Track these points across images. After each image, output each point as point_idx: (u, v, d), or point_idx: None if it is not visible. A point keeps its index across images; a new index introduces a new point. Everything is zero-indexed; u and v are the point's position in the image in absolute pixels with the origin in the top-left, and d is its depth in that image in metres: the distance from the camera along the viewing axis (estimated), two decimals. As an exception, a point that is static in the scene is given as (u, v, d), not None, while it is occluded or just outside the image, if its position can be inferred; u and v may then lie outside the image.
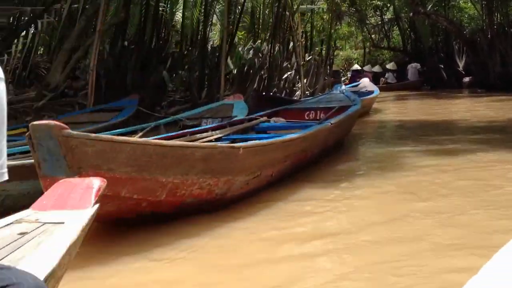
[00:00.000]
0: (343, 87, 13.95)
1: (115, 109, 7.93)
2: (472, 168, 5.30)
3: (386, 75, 23.82)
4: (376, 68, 24.44)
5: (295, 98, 12.55)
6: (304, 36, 18.77)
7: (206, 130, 5.98)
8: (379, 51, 28.17)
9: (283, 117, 7.64)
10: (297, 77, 15.59)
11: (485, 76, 19.11)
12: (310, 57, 17.03)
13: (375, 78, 20.58)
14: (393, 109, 13.59)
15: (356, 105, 7.62)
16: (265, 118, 7.21)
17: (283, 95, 12.93)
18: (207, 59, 11.39)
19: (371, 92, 13.01)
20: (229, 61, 11.97)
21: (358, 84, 14.26)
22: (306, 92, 14.68)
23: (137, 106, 7.95)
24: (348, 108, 7.42)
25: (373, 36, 26.57)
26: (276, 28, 14.20)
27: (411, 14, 20.08)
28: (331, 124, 6.07)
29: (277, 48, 13.29)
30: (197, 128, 6.17)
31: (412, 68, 22.99)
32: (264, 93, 10.36)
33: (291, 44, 15.33)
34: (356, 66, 24.59)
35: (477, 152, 6.15)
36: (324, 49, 31.80)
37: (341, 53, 31.91)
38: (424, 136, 7.83)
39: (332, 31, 25.46)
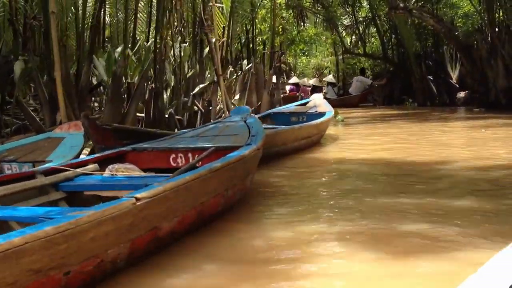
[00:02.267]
0: (279, 107, 11.04)
1: None
2: None
3: (325, 89, 21.87)
4: (314, 81, 22.22)
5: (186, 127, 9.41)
6: (249, 37, 15.64)
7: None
8: (355, 58, 25.28)
9: (134, 162, 4.74)
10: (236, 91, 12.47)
11: (484, 91, 16.19)
12: (250, 65, 13.91)
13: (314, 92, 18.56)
14: (355, 138, 10.45)
15: (249, 146, 4.56)
16: (93, 166, 4.27)
17: (198, 116, 9.77)
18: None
19: (322, 114, 9.94)
20: (100, 66, 8.77)
21: (307, 102, 11.18)
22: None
23: None
24: (233, 151, 4.41)
25: (347, 39, 23.71)
26: (196, 24, 11.07)
27: (386, 9, 17.13)
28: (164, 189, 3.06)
29: (183, 48, 10.12)
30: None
31: (358, 82, 21.47)
32: (107, 124, 6.90)
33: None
34: (294, 79, 22.03)
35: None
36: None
37: (312, 60, 29.01)
38: (389, 216, 4.56)
39: (295, 32, 22.73)
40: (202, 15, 10.13)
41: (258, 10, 19.74)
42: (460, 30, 16.87)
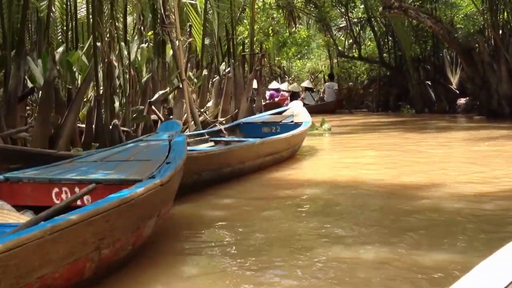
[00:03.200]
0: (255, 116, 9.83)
1: None
2: None
3: (303, 94, 20.71)
4: (292, 87, 21.22)
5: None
6: (229, 38, 14.32)
7: None
8: (351, 62, 23.97)
9: (8, 197, 3.60)
10: (213, 98, 11.17)
11: (486, 98, 14.89)
12: (228, 69, 12.65)
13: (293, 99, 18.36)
14: (338, 152, 9.17)
15: (149, 182, 3.31)
16: None
17: (158, 126, 8.49)
18: None
19: (298, 124, 8.69)
20: (37, 69, 7.53)
21: (284, 111, 9.90)
22: (219, 123, 10.32)
23: None
24: (125, 187, 3.16)
25: (342, 41, 22.42)
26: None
27: (380, 9, 15.81)
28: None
29: (141, 49, 8.86)
30: None
31: (328, 88, 21.23)
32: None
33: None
34: (275, 84, 20.76)
35: None
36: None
37: (308, 64, 27.72)
38: None
39: (286, 34, 21.48)
40: (163, 11, 8.86)
41: (244, 9, 18.52)
42: (460, 32, 15.54)
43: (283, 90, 20.13)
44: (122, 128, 7.31)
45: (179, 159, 3.93)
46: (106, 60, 7.24)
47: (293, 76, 27.99)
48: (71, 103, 7.06)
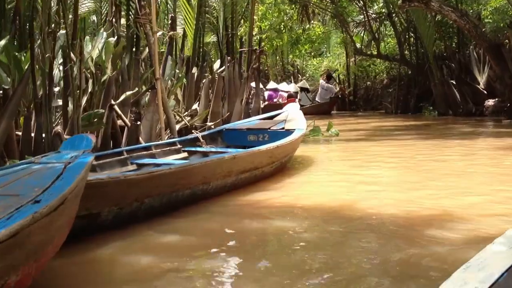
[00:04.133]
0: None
1: None
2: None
3: (299, 95, 19.55)
4: (292, 87, 19.74)
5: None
6: (229, 34, 12.91)
7: None
8: (369, 60, 22.44)
9: None
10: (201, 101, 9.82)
11: (518, 99, 13.32)
12: (222, 67, 11.27)
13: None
14: (339, 165, 7.71)
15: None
16: None
17: (124, 134, 7.16)
18: None
19: (289, 132, 7.27)
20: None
21: (278, 115, 8.47)
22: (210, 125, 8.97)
23: None
24: None
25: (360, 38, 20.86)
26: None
27: (399, 2, 14.25)
28: None
29: (105, 43, 7.51)
30: None
31: (323, 89, 20.37)
32: None
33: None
34: (273, 84, 19.59)
35: None
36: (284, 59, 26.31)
37: (324, 62, 26.19)
38: None
39: (300, 31, 20.06)
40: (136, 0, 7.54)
41: (257, 5, 17.21)
42: (488, 26, 13.94)
43: (282, 90, 18.69)
44: (69, 137, 5.95)
45: (56, 196, 2.60)
46: (46, 55, 5.91)
47: (307, 75, 26.46)
48: (5, 106, 5.76)
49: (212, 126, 9.25)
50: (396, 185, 5.79)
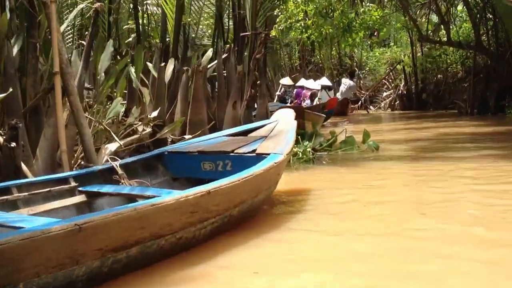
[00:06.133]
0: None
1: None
2: None
3: (319, 94, 16.24)
4: (317, 84, 16.68)
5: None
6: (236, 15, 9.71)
7: None
8: (440, 49, 18.74)
9: None
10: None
11: None
12: (213, 63, 8.29)
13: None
14: (343, 219, 4.54)
15: None
16: None
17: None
18: None
19: (260, 158, 4.30)
20: None
21: (260, 127, 5.44)
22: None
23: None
24: None
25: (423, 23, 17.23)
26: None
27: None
28: None
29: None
30: None
31: (345, 86, 18.00)
32: None
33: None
34: (288, 79, 17.01)
35: None
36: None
37: (387, 53, 22.48)
38: None
39: (352, 15, 16.74)
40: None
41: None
42: None
43: (307, 88, 15.62)
44: None
45: None
46: None
47: (367, 68, 22.90)
48: None
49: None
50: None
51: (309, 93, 15.33)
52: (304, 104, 15.30)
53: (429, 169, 6.63)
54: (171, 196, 3.30)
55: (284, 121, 5.41)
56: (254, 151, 4.65)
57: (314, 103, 15.34)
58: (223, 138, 5.29)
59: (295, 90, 15.83)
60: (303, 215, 4.44)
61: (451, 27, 16.33)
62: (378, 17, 17.50)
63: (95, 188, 4.19)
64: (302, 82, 16.62)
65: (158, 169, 4.97)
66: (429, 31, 16.98)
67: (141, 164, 4.84)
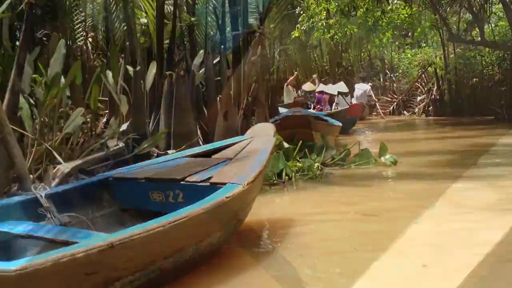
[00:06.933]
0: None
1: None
2: None
3: (336, 99, 15.06)
4: (330, 88, 15.64)
5: None
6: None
7: None
8: (474, 49, 17.41)
9: None
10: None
11: None
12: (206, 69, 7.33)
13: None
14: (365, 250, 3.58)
15: None
16: None
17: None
18: None
19: (215, 188, 3.39)
20: None
21: (231, 145, 4.51)
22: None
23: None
24: None
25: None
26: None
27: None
28: None
29: None
30: None
31: (358, 89, 16.71)
32: None
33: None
34: (309, 85, 16.20)
35: None
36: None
37: (419, 54, 21.05)
38: None
39: (378, 13, 15.66)
40: None
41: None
42: None
43: (325, 93, 14.62)
44: None
45: None
46: None
47: (400, 71, 21.56)
48: None
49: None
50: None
51: (327, 97, 14.47)
52: (325, 109, 14.38)
53: (463, 184, 5.61)
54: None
55: (259, 139, 4.46)
56: (209, 179, 3.73)
57: (333, 109, 14.39)
58: (181, 160, 4.34)
59: (318, 95, 14.87)
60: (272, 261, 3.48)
61: (485, 25, 15.03)
62: (406, 15, 16.36)
63: (4, 227, 3.33)
64: (322, 87, 15.60)
65: (102, 199, 4.08)
66: (461, 30, 15.73)
67: (81, 193, 3.96)
